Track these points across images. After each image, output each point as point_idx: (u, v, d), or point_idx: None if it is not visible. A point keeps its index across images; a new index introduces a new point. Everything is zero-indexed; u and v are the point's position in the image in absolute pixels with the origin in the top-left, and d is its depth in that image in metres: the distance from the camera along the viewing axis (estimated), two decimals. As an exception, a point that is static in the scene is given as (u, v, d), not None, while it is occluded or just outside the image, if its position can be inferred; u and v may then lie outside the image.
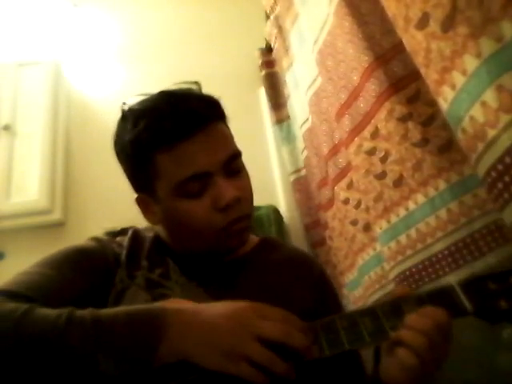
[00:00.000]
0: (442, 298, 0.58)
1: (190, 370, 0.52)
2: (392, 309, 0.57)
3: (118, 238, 0.80)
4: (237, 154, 0.75)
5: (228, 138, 0.76)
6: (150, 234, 0.81)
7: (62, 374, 0.51)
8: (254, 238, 0.89)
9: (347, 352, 0.71)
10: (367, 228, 1.23)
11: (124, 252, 0.76)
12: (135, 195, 0.80)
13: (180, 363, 0.53)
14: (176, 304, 0.59)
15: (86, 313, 0.55)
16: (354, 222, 1.30)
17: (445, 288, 0.59)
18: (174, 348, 0.53)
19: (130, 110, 0.74)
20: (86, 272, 0.70)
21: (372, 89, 1.07)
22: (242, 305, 0.56)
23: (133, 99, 0.75)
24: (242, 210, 0.73)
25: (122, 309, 0.57)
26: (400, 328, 0.56)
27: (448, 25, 0.67)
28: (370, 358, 0.69)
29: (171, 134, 0.69)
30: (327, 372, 0.67)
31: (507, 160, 0.63)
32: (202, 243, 0.74)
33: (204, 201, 0.70)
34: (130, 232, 0.81)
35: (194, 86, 0.78)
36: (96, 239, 0.79)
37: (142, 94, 0.76)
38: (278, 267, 0.82)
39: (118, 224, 0.97)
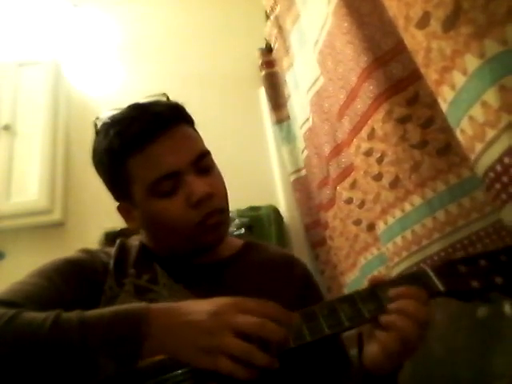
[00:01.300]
0: (415, 280, 0.61)
1: (180, 364, 0.54)
2: (368, 293, 0.60)
3: (107, 249, 0.83)
4: (205, 153, 0.79)
5: (194, 138, 0.80)
6: (136, 243, 0.84)
7: (49, 374, 0.53)
8: (238, 242, 0.91)
9: (332, 342, 0.73)
10: (371, 227, 1.23)
11: (111, 261, 0.78)
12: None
13: (170, 359, 0.54)
14: (160, 303, 0.61)
15: (72, 314, 0.56)
16: (358, 222, 1.29)
17: (418, 272, 0.63)
18: (157, 344, 0.54)
19: (103, 123, 0.80)
20: (77, 282, 0.72)
21: (370, 90, 1.07)
22: (223, 301, 0.57)
23: (105, 114, 0.80)
24: (215, 204, 0.76)
25: (107, 309, 0.58)
26: (387, 311, 0.58)
27: (450, 24, 0.67)
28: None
29: (138, 137, 0.73)
30: (313, 361, 0.70)
31: (506, 160, 0.63)
32: (180, 241, 0.77)
33: (178, 199, 0.74)
34: (117, 242, 0.84)
35: (162, 98, 0.82)
36: (85, 250, 0.81)
37: (113, 109, 0.80)
38: (261, 268, 0.84)
39: (117, 224, 0.96)
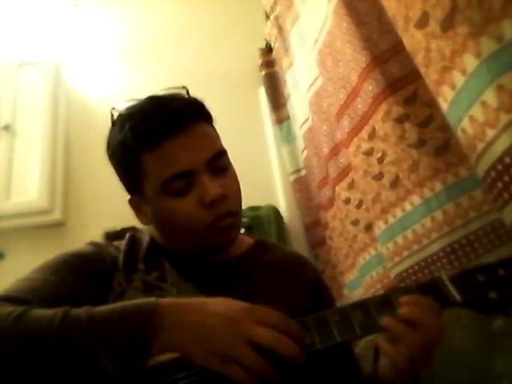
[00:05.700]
0: (431, 289, 0.59)
1: (191, 365, 0.53)
2: (382, 301, 0.58)
3: (116, 242, 0.81)
4: (221, 153, 0.76)
5: (211, 137, 0.77)
6: (147, 237, 0.82)
7: (59, 372, 0.52)
8: (248, 240, 0.89)
9: (342, 350, 0.71)
10: (368, 228, 1.23)
11: (121, 256, 0.76)
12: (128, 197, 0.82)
13: (180, 359, 0.53)
14: (171, 299, 0.60)
15: (81, 311, 0.55)
16: (355, 222, 1.30)
17: (434, 280, 0.60)
18: (169, 341, 0.53)
19: (119, 114, 0.77)
20: (85, 276, 0.70)
21: (369, 89, 1.07)
22: (239, 306, 0.56)
23: (122, 104, 0.77)
24: (227, 206, 0.73)
25: (117, 304, 0.57)
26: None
27: (448, 24, 0.67)
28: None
29: (153, 133, 0.71)
30: (322, 369, 0.68)
31: (507, 160, 0.63)
32: (191, 241, 0.75)
33: (190, 198, 0.71)
34: (127, 236, 0.82)
35: (181, 91, 0.79)
36: (94, 244, 0.79)
37: (131, 100, 0.78)
38: (271, 268, 0.82)
39: (117, 224, 0.96)
